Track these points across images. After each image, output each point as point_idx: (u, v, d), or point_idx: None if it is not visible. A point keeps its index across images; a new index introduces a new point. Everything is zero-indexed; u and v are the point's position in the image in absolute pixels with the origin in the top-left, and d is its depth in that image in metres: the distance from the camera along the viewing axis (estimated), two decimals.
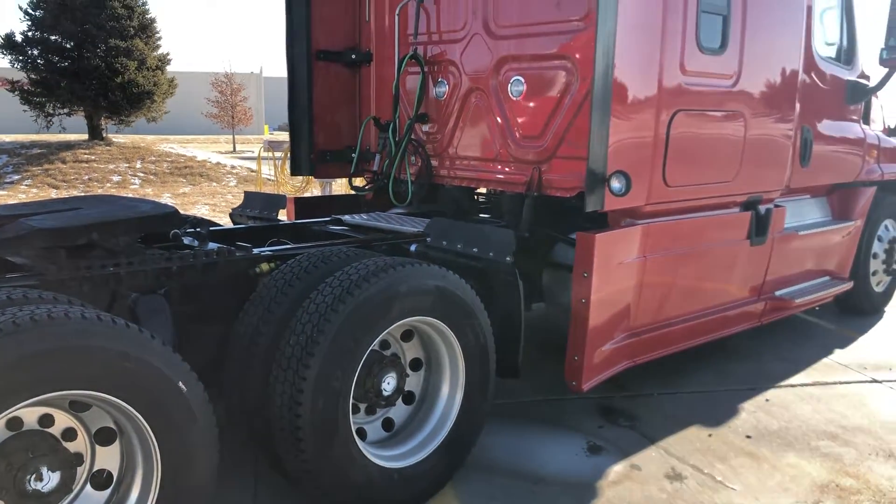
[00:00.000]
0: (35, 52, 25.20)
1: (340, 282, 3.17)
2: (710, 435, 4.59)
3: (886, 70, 6.06)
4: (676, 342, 5.04)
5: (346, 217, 5.14)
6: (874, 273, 7.23)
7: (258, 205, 5.35)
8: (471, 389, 3.71)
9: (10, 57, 25.48)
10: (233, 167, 23.76)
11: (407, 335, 3.67)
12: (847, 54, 6.29)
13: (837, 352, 6.33)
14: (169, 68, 27.91)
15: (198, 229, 3.98)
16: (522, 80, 4.73)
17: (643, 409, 4.96)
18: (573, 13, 4.36)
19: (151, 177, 22.26)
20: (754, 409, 5.02)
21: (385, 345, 3.58)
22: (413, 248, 4.23)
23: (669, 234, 4.68)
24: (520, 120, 4.77)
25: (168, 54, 27.64)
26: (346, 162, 5.88)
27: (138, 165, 23.22)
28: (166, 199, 18.81)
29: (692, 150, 4.60)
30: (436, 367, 3.76)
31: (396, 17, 5.41)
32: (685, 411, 4.94)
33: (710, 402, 5.11)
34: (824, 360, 6.12)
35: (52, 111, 25.98)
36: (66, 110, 26.14)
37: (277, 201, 5.28)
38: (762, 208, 5.34)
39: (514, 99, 4.78)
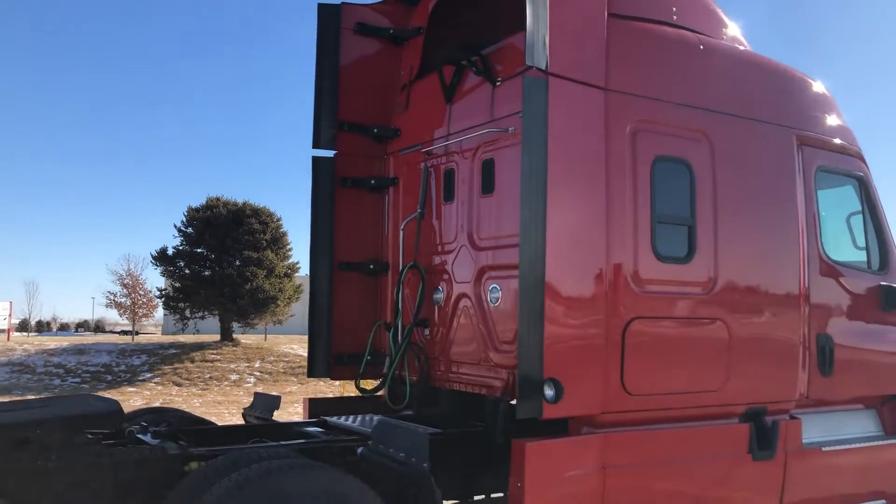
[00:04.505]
0: (182, 264, 28.27)
1: (227, 484, 3.29)
2: None
3: None
4: None
5: (332, 419, 5.28)
6: None
7: (259, 406, 5.62)
8: None
9: (161, 268, 28.75)
10: None
11: None
12: (881, 259, 6.03)
13: None
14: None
15: (158, 428, 4.25)
16: (498, 288, 4.91)
17: None
18: None
19: (266, 376, 23.45)
20: None
21: None
22: (360, 450, 4.28)
23: (638, 445, 4.44)
24: (497, 326, 4.88)
25: (297, 263, 30.11)
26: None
27: (257, 365, 24.60)
28: None
29: (658, 358, 4.48)
30: None
31: (401, 231, 5.81)
32: None
33: None
34: None
35: (188, 315, 28.58)
36: (200, 314, 28.69)
37: (273, 402, 5.52)
38: (768, 420, 4.99)
39: (493, 306, 4.93)
